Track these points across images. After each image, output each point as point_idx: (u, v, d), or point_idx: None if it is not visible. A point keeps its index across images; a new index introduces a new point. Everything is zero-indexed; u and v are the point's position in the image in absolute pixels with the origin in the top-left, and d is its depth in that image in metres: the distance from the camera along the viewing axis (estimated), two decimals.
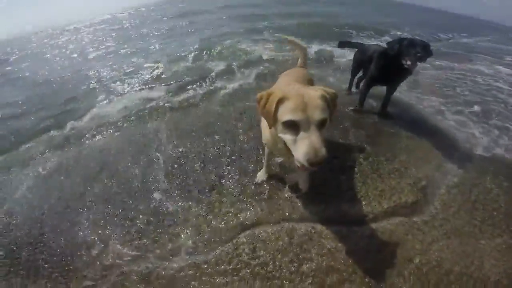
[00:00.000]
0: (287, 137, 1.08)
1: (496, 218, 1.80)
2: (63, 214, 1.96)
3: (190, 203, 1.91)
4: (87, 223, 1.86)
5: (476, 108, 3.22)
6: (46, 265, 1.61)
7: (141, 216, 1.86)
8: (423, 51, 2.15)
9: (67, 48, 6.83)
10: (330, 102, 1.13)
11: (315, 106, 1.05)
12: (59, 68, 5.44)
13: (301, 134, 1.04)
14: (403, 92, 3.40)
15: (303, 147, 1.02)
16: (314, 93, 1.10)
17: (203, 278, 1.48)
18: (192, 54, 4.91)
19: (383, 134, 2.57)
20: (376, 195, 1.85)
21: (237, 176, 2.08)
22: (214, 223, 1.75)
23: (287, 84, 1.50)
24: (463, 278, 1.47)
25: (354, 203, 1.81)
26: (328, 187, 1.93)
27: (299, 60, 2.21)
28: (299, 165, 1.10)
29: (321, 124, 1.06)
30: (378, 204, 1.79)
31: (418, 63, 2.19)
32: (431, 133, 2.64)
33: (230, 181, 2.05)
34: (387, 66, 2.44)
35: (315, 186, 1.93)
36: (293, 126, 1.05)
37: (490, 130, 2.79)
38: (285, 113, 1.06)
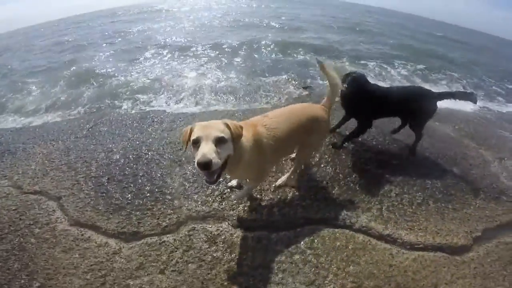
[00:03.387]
0: (195, 154, 1.29)
1: None
2: None
3: None
4: None
5: None
6: None
7: None
8: None
9: None
10: (233, 129, 1.37)
11: (213, 127, 1.32)
12: None
13: (200, 146, 1.27)
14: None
15: (197, 154, 1.24)
16: (217, 121, 1.39)
17: None
18: None
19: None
20: (433, 231, 2.01)
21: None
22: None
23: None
24: None
25: (412, 231, 2.00)
26: (402, 213, 2.17)
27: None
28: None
29: (217, 141, 1.28)
30: (432, 238, 1.97)
31: None
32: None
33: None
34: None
35: (396, 207, 2.18)
36: (197, 143, 1.29)
37: None
38: (192, 135, 1.33)
